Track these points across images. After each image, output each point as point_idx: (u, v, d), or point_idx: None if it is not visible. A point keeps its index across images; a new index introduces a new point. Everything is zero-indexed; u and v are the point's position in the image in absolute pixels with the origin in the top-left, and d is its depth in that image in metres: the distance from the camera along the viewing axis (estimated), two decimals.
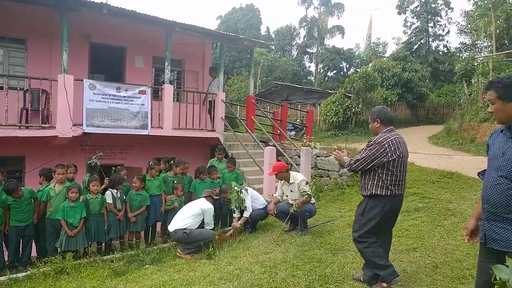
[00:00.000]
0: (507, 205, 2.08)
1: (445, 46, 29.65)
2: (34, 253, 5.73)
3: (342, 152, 4.00)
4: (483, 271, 2.15)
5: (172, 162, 6.96)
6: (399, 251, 4.54)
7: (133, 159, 10.19)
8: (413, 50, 27.87)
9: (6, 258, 5.34)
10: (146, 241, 6.30)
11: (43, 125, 7.99)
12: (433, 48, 28.78)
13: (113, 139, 9.33)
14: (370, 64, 23.12)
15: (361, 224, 3.60)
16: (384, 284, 3.50)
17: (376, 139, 3.51)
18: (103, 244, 5.91)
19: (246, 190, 5.90)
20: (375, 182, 3.49)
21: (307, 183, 5.52)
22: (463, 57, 23.34)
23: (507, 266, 1.77)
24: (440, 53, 28.40)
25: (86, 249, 5.46)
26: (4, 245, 5.39)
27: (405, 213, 5.86)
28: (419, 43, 28.77)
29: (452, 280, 3.73)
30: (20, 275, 4.62)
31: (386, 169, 3.44)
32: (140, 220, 6.17)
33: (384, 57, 26.66)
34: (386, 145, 3.41)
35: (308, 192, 5.41)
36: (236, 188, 5.78)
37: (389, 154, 3.40)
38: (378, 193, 3.47)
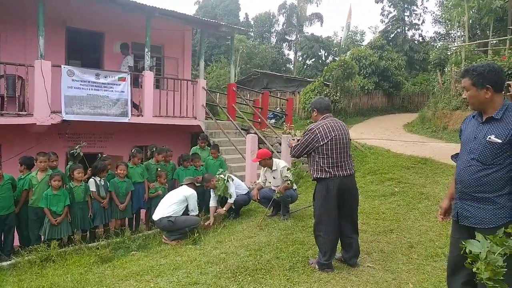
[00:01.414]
0: (477, 185, 2.27)
1: (420, 35, 30.37)
2: (16, 242, 5.67)
3: (293, 140, 4.29)
4: (455, 246, 2.35)
5: (154, 149, 6.97)
6: (377, 233, 4.79)
7: (113, 147, 10.08)
8: (389, 39, 28.36)
9: None
10: (130, 229, 6.33)
11: (20, 112, 7.80)
12: (409, 37, 29.40)
13: (93, 126, 9.19)
14: (348, 53, 23.39)
15: (315, 209, 3.86)
16: (316, 266, 3.79)
17: (309, 127, 3.84)
18: (88, 232, 5.91)
19: (232, 179, 6.00)
20: (314, 167, 3.77)
21: (288, 169, 5.68)
22: (437, 47, 24.00)
23: (478, 241, 1.96)
24: (416, 42, 29.07)
25: (71, 237, 5.45)
26: None
27: (382, 197, 6.15)
28: (395, 32, 29.29)
29: (426, 258, 3.99)
30: (4, 263, 4.59)
31: (321, 153, 3.70)
32: (127, 206, 6.21)
33: (362, 45, 27.04)
34: (317, 131, 3.71)
35: (290, 178, 5.57)
36: (222, 176, 5.85)
37: (320, 139, 3.68)
38: (319, 176, 3.73)
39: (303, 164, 8.53)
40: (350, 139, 3.97)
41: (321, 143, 3.66)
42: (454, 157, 2.60)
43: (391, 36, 29.04)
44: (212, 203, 6.07)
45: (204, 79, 11.24)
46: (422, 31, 33.30)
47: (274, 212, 5.94)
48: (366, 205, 5.80)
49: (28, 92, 7.96)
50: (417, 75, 25.20)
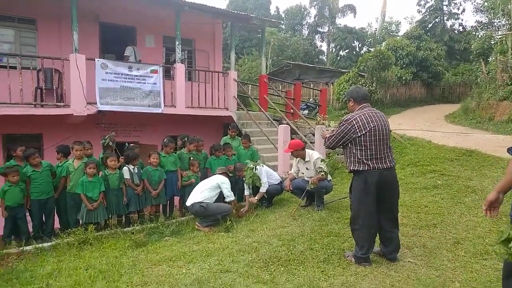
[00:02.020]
0: None
1: (460, 24, 28.80)
2: (57, 225, 5.90)
3: (327, 131, 4.04)
4: None
5: (186, 139, 6.98)
6: (419, 227, 4.52)
7: (147, 137, 10.27)
8: (427, 29, 27.12)
9: (30, 229, 5.51)
10: (164, 215, 6.40)
11: (58, 103, 8.05)
12: (448, 27, 27.96)
13: (127, 117, 9.38)
14: (383, 43, 22.62)
15: (352, 203, 3.66)
16: (352, 259, 3.64)
17: (345, 117, 3.62)
18: (123, 217, 6.02)
19: (262, 167, 5.91)
20: (351, 159, 3.56)
21: (322, 160, 5.50)
22: (479, 36, 22.68)
23: None
24: (456, 31, 27.61)
25: (107, 222, 5.59)
26: (28, 218, 5.55)
27: (424, 190, 5.82)
28: (433, 21, 27.94)
29: (475, 256, 3.70)
30: (46, 245, 4.78)
31: (358, 144, 3.49)
32: (160, 193, 6.27)
33: (398, 36, 26.05)
34: (354, 122, 3.49)
35: (324, 170, 5.39)
36: (250, 165, 5.79)
37: (358, 130, 3.47)
38: (356, 168, 3.52)
39: (338, 155, 8.35)
40: (390, 130, 3.73)
41: (359, 134, 3.46)
42: (511, 150, 2.34)
43: (429, 26, 27.73)
44: (246, 191, 6.06)
45: (235, 71, 11.18)
46: (462, 20, 31.63)
47: (308, 202, 5.81)
48: (407, 197, 5.51)
49: (64, 84, 8.19)
50: (458, 65, 23.99)
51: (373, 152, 3.46)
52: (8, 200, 5.19)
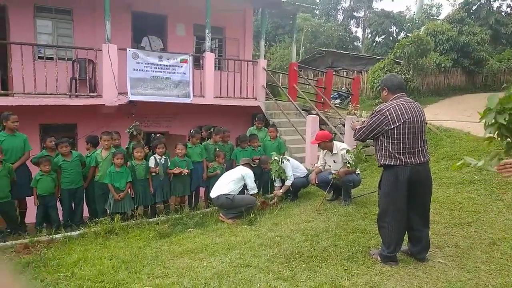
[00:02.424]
0: None
1: (508, 6, 26.79)
2: (86, 214, 6.09)
3: (357, 121, 3.86)
4: None
5: (212, 130, 6.98)
6: (452, 225, 4.28)
7: (177, 127, 10.40)
8: (471, 11, 25.43)
9: (61, 218, 5.72)
10: (189, 206, 6.46)
11: (91, 94, 8.28)
12: (495, 9, 26.13)
13: (158, 107, 9.51)
14: (422, 28, 21.53)
15: (381, 198, 3.48)
16: (378, 258, 3.49)
17: (378, 107, 3.39)
18: (149, 207, 6.12)
19: (288, 160, 5.83)
20: (382, 152, 3.35)
21: (347, 151, 5.31)
22: None
23: None
24: (503, 14, 25.75)
25: (133, 212, 5.70)
26: (59, 206, 5.77)
27: (459, 185, 5.51)
28: (478, 3, 26.17)
29: None
30: (74, 233, 4.93)
31: (391, 137, 3.27)
32: (185, 184, 6.30)
33: (438, 20, 24.70)
34: (387, 113, 3.27)
35: (349, 161, 5.21)
36: (276, 158, 5.71)
37: (391, 122, 3.24)
38: (387, 163, 3.31)
39: (367, 147, 8.07)
40: (426, 123, 3.49)
41: (392, 126, 3.24)
42: None
43: (473, 8, 25.99)
44: (276, 183, 6.02)
45: (266, 59, 11.03)
46: (511, 1, 29.43)
47: (334, 196, 5.66)
48: (440, 193, 5.23)
49: (97, 74, 8.39)
50: (503, 50, 22.43)
51: (406, 146, 3.25)
52: (40, 189, 5.39)
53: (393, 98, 3.38)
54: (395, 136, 3.25)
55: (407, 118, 3.23)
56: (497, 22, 24.47)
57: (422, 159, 3.31)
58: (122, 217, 5.35)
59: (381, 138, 3.35)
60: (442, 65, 17.42)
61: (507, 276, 3.15)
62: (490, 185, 5.32)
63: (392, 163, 3.29)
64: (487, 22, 24.20)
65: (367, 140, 3.87)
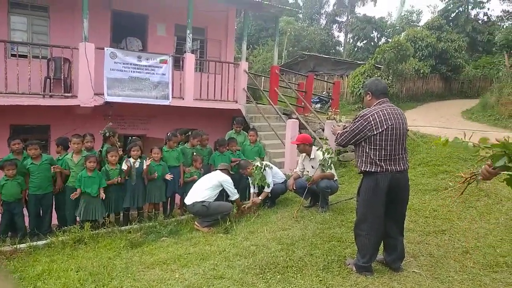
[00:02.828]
0: None
1: (485, 14, 27.53)
2: (56, 221, 5.83)
3: (339, 126, 3.80)
4: None
5: (190, 133, 6.84)
6: (426, 233, 4.29)
7: (155, 130, 10.19)
8: (450, 18, 26.04)
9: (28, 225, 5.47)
10: (164, 213, 6.31)
11: (66, 94, 8.00)
12: (472, 17, 26.81)
13: (135, 109, 9.30)
14: (402, 34, 21.88)
15: (359, 205, 3.43)
16: (354, 268, 3.44)
17: (361, 112, 3.33)
18: (122, 215, 5.95)
19: (270, 167, 5.78)
20: (363, 159, 3.30)
21: (318, 149, 5.31)
22: (504, 27, 21.69)
23: None
24: (480, 21, 26.45)
25: (105, 219, 5.51)
26: (26, 213, 5.51)
27: (434, 192, 5.56)
28: (457, 11, 26.78)
29: (484, 267, 3.46)
30: (39, 243, 4.70)
31: (373, 144, 3.23)
32: (160, 190, 6.13)
33: (418, 26, 25.16)
34: (371, 118, 3.21)
35: (321, 162, 5.18)
36: (258, 164, 5.63)
37: (374, 127, 3.20)
38: (367, 169, 3.26)
39: (345, 152, 8.08)
40: (408, 129, 3.45)
41: (375, 132, 3.19)
42: None
43: (452, 16, 26.62)
44: (252, 189, 5.94)
45: (248, 62, 10.96)
46: (488, 9, 30.32)
47: (312, 203, 5.63)
48: (415, 200, 5.25)
49: (74, 74, 8.12)
50: (479, 57, 23.02)
51: (388, 153, 3.21)
52: (5, 195, 5.12)
53: (376, 103, 3.33)
54: (377, 142, 3.21)
55: (390, 124, 3.19)
56: (474, 30, 25.14)
57: (402, 166, 3.28)
58: (92, 225, 5.16)
59: (362, 143, 3.29)
60: (421, 71, 17.71)
61: (479, 286, 3.17)
62: (464, 193, 5.35)
63: (372, 170, 3.24)
64: (464, 30, 24.83)
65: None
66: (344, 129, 3.53)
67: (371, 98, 3.40)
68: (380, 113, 3.22)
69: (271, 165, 5.93)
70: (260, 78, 22.82)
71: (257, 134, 7.33)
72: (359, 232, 3.41)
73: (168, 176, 6.02)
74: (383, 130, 3.18)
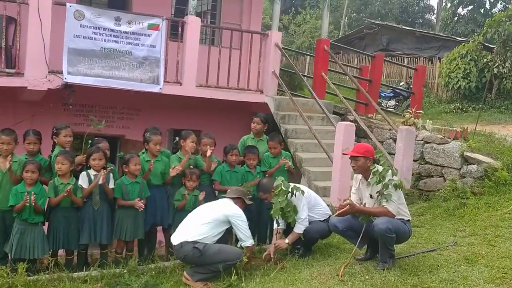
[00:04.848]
0: None
1: None
2: None
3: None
4: None
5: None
6: None
7: (138, 130, 10.21)
8: None
9: None
10: (140, 255, 6.36)
11: (7, 70, 8.19)
12: None
13: (110, 97, 9.48)
14: None
15: None
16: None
17: None
18: (77, 254, 6.00)
19: (302, 191, 5.70)
20: None
21: (394, 173, 5.16)
22: None
23: None
24: None
25: (50, 259, 5.54)
26: None
27: None
28: None
29: None
30: None
31: None
32: (133, 221, 6.16)
33: None
34: None
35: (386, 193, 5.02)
36: (283, 187, 5.55)
37: None
38: None
39: (432, 176, 7.89)
40: None
41: None
42: None
43: None
44: (276, 225, 5.93)
45: (285, 31, 10.98)
46: None
47: (370, 254, 5.49)
48: None
49: (20, 41, 8.31)
50: None
51: None
52: None
53: None
54: None
55: None
56: None
57: None
58: (29, 267, 5.20)
59: None
60: None
61: None
62: None
63: None
64: None
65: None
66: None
67: None
68: None
69: (306, 189, 5.87)
70: (305, 58, 22.94)
71: (281, 143, 7.33)
72: None
73: (138, 205, 6.08)
74: None
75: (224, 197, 5.84)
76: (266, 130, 7.75)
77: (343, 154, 6.50)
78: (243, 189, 6.09)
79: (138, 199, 6.09)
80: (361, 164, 5.33)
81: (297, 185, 5.86)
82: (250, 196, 6.19)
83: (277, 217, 5.77)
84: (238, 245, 5.57)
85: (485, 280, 4.47)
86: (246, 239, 5.47)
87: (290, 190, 5.59)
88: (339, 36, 26.55)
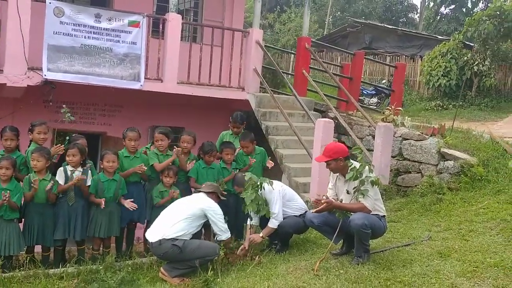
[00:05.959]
0: None
1: None
2: None
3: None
4: None
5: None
6: None
7: (120, 126, 10.19)
8: None
9: None
10: (118, 251, 6.36)
11: None
12: None
13: (91, 94, 9.46)
14: None
15: None
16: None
17: None
18: (52, 250, 5.99)
19: (271, 182, 5.68)
20: None
21: (370, 169, 5.19)
22: None
23: None
24: None
25: (26, 256, 5.59)
26: None
27: None
28: None
29: None
30: None
31: None
32: (108, 218, 6.17)
33: None
34: None
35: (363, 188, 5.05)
36: (252, 180, 5.57)
37: None
38: None
39: (410, 172, 7.93)
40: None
41: None
42: None
43: None
44: (252, 220, 5.96)
45: (270, 30, 10.98)
46: None
47: (345, 249, 5.52)
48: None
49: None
50: None
51: None
52: None
53: None
54: None
55: None
56: None
57: None
58: (4, 264, 5.21)
59: None
60: None
61: None
62: None
63: None
64: None
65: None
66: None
67: None
68: None
69: (280, 184, 5.92)
70: (289, 56, 23.00)
71: (252, 141, 7.30)
72: None
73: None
74: None
75: (199, 191, 5.85)
76: (245, 127, 7.78)
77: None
78: (217, 185, 6.09)
79: (103, 199, 6.04)
80: (334, 167, 5.36)
81: (268, 179, 5.83)
82: (226, 193, 6.21)
83: (249, 212, 5.79)
84: (216, 239, 5.61)
85: (457, 274, 4.50)
86: (222, 233, 5.50)
87: (258, 184, 5.60)
88: (324, 34, 26.70)
